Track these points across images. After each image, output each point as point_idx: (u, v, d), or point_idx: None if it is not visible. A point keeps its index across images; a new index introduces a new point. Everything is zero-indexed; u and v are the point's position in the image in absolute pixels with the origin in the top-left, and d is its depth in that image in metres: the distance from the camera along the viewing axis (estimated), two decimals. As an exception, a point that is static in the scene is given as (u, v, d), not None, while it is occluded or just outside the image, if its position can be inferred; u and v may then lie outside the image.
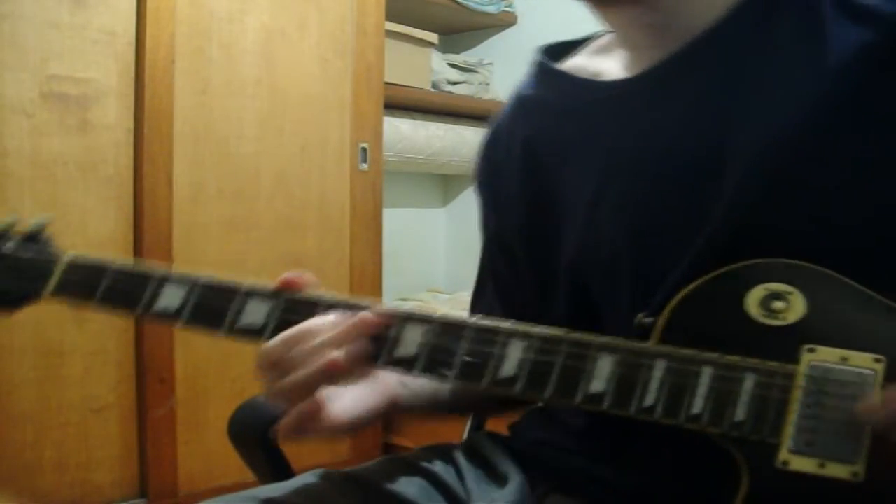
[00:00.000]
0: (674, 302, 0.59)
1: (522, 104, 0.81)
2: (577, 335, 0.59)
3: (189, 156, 1.91)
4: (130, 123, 1.84)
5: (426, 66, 2.53)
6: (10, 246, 0.77)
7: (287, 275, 0.68)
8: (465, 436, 0.99)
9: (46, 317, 1.73)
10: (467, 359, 0.61)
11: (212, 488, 1.90)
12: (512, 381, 0.59)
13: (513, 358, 0.60)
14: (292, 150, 2.10)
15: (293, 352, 0.63)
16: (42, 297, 0.75)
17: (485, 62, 2.77)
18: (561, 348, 0.59)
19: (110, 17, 1.80)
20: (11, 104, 1.68)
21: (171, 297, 0.70)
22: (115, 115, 1.82)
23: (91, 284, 0.72)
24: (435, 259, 2.97)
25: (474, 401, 0.86)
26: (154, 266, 0.73)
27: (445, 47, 2.82)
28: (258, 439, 0.88)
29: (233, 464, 0.91)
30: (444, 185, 2.98)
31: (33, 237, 0.78)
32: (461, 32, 2.89)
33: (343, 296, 0.66)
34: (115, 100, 1.82)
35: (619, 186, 0.68)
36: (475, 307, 0.88)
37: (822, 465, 0.52)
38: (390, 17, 2.31)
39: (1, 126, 1.67)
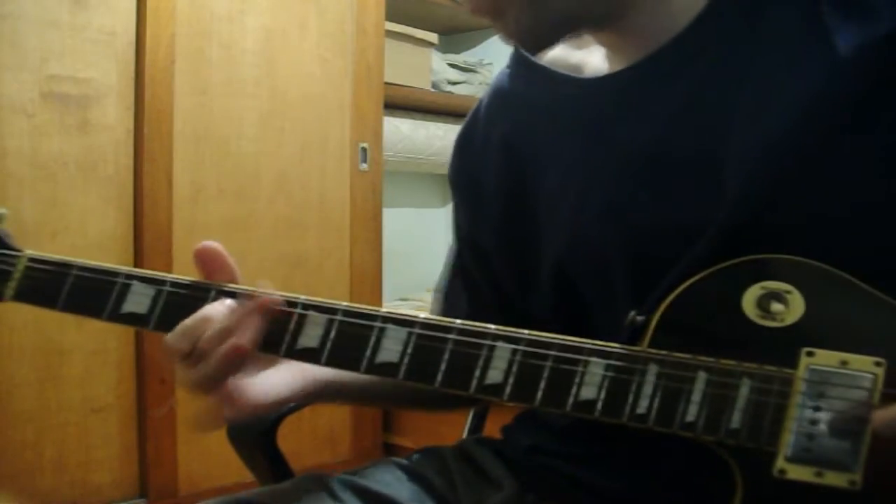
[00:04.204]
0: (668, 300, 0.57)
1: (500, 98, 0.78)
2: (566, 338, 0.57)
3: (189, 156, 1.91)
4: (130, 123, 1.84)
5: (426, 66, 2.53)
6: None
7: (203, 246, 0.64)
8: (465, 436, 0.99)
9: (46, 317, 1.73)
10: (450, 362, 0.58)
11: (212, 488, 1.91)
12: (500, 388, 0.57)
13: (499, 362, 0.57)
14: (292, 150, 2.10)
15: (198, 342, 0.60)
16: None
17: (485, 62, 2.76)
18: (550, 352, 0.56)
19: (110, 17, 1.80)
20: (11, 104, 1.68)
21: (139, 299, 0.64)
22: (115, 115, 1.82)
23: (54, 288, 0.65)
24: (435, 259, 2.96)
25: (412, 394, 0.80)
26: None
27: (445, 47, 2.82)
28: (257, 440, 0.88)
29: (233, 464, 0.91)
30: (444, 185, 2.98)
31: None
32: (461, 32, 2.89)
33: (238, 286, 0.63)
34: (115, 100, 1.82)
35: (606, 186, 0.66)
36: (441, 308, 0.84)
37: (819, 474, 0.50)
38: (390, 17, 2.31)
39: (1, 126, 1.67)
